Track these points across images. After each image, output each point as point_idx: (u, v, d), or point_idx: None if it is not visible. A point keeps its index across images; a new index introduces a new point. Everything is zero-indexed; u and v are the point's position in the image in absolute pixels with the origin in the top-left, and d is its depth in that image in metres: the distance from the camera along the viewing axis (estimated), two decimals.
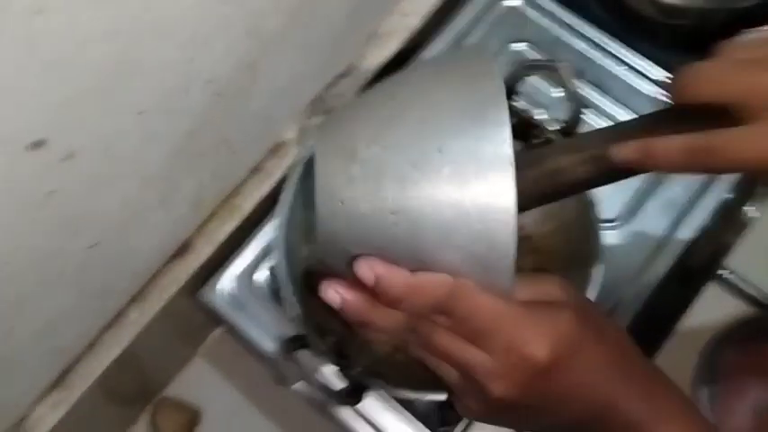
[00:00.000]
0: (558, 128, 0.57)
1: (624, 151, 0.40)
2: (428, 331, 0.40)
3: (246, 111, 0.58)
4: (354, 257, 0.39)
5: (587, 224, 0.57)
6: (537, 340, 0.39)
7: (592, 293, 0.56)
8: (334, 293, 0.41)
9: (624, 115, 0.72)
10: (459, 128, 0.38)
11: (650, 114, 0.42)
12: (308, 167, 0.58)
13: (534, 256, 0.62)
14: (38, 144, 0.41)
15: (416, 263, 0.39)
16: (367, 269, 0.39)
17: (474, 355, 0.39)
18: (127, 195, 0.51)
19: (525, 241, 0.62)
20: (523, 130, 0.59)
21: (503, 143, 0.37)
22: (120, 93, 0.43)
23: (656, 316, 0.68)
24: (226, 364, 0.75)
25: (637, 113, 0.72)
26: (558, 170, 0.42)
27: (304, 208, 0.59)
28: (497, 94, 0.39)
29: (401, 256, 0.39)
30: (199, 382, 0.75)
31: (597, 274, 0.56)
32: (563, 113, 0.56)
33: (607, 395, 0.41)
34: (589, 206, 0.57)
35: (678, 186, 0.67)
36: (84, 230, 0.50)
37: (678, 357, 0.69)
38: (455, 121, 0.39)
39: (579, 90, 0.54)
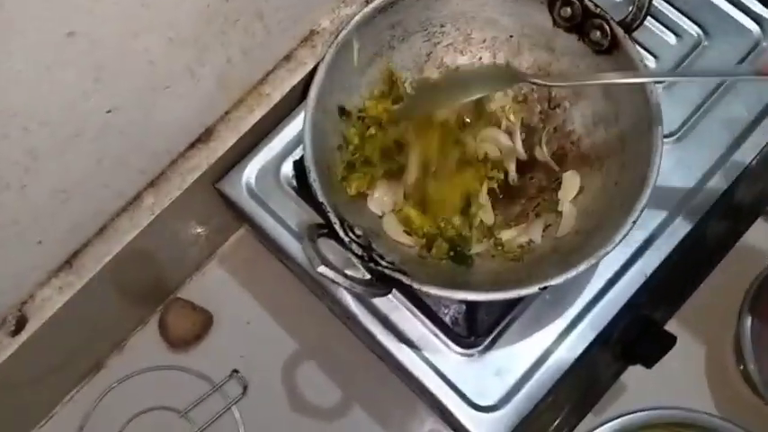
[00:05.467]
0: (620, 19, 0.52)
1: None
2: None
3: None
4: None
5: (646, 135, 0.51)
6: None
7: (638, 210, 0.51)
8: None
9: (719, 49, 0.64)
10: None
11: None
12: (341, 51, 0.54)
13: (581, 162, 0.57)
14: None
15: None
16: None
17: None
18: (153, 54, 0.48)
19: (572, 146, 0.58)
20: (581, 21, 0.54)
21: None
22: None
23: (704, 243, 0.64)
24: (243, 271, 0.72)
25: (733, 50, 0.64)
26: None
27: (335, 92, 0.55)
28: None
29: None
30: (214, 287, 0.72)
31: (647, 190, 0.51)
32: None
33: None
34: (652, 116, 0.51)
35: (741, 105, 0.61)
36: (106, 85, 0.46)
37: (726, 288, 0.65)
38: None
39: None
